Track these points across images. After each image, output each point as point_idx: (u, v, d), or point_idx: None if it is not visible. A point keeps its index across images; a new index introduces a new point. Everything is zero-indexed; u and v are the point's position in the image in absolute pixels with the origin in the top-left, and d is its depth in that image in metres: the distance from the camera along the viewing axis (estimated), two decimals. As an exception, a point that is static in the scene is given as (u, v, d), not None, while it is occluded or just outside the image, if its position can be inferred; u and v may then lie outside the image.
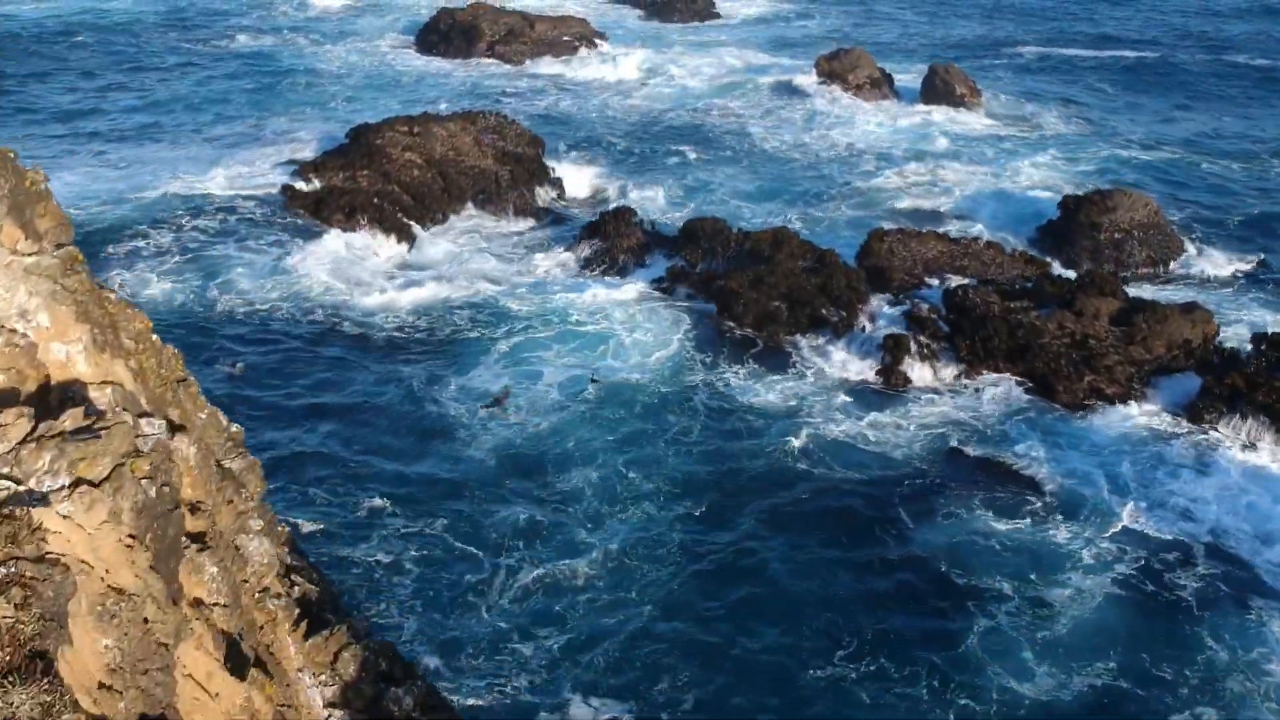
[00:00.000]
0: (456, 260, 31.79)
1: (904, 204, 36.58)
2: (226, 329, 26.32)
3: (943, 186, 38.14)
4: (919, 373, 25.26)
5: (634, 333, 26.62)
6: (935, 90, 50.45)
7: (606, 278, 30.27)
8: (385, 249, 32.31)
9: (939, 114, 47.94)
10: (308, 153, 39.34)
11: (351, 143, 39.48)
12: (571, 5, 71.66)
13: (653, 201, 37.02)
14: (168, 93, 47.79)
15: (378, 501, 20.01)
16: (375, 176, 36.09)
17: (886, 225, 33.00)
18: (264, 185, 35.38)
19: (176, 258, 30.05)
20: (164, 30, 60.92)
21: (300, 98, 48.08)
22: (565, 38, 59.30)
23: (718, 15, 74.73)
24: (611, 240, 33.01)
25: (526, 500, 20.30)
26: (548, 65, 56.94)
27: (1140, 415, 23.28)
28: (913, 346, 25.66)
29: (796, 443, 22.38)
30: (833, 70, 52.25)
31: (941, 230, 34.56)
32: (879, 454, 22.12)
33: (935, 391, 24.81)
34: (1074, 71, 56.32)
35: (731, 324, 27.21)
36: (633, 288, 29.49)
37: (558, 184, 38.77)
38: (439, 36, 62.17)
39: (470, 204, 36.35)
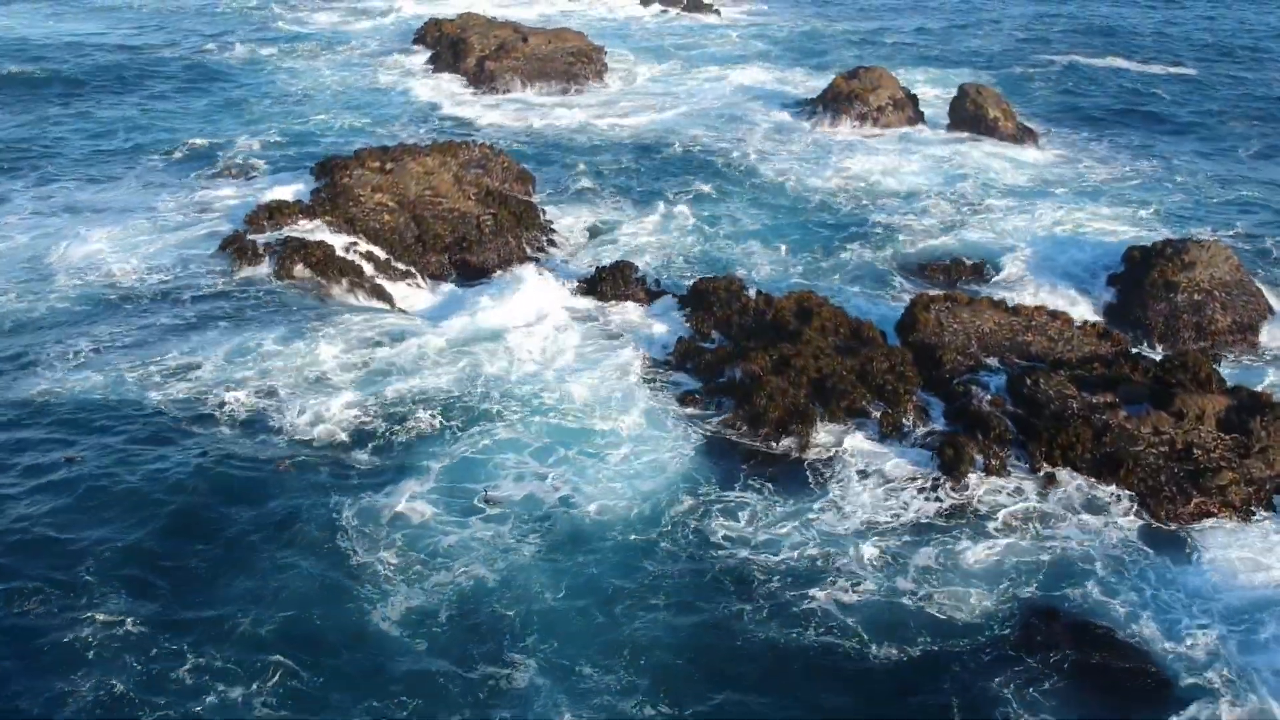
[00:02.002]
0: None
1: (938, 255, 31.87)
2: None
3: (981, 233, 33.45)
4: (982, 490, 20.60)
5: (624, 436, 21.88)
6: (965, 115, 45.82)
7: (601, 354, 25.55)
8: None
9: (971, 144, 43.32)
10: (264, 188, 34.75)
11: (316, 179, 34.93)
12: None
13: (655, 247, 32.37)
14: (114, 114, 43.11)
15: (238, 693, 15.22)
16: (340, 224, 31.45)
17: (930, 288, 28.40)
18: (192, 251, 30.18)
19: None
20: (133, 50, 56.22)
21: (265, 117, 43.36)
22: (560, 54, 54.64)
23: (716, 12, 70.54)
24: (608, 301, 28.45)
25: (446, 701, 15.47)
26: (541, 84, 52.33)
27: (1271, 556, 18.61)
28: (975, 454, 21.01)
29: (818, 602, 17.50)
30: (851, 91, 47.59)
31: (985, 289, 30.14)
32: (929, 618, 17.25)
33: (1003, 515, 20.14)
34: (1124, 87, 51.52)
35: (748, 424, 22.49)
36: (631, 368, 24.80)
37: (548, 228, 34.18)
38: (426, 50, 57.69)
39: (445, 257, 31.66)
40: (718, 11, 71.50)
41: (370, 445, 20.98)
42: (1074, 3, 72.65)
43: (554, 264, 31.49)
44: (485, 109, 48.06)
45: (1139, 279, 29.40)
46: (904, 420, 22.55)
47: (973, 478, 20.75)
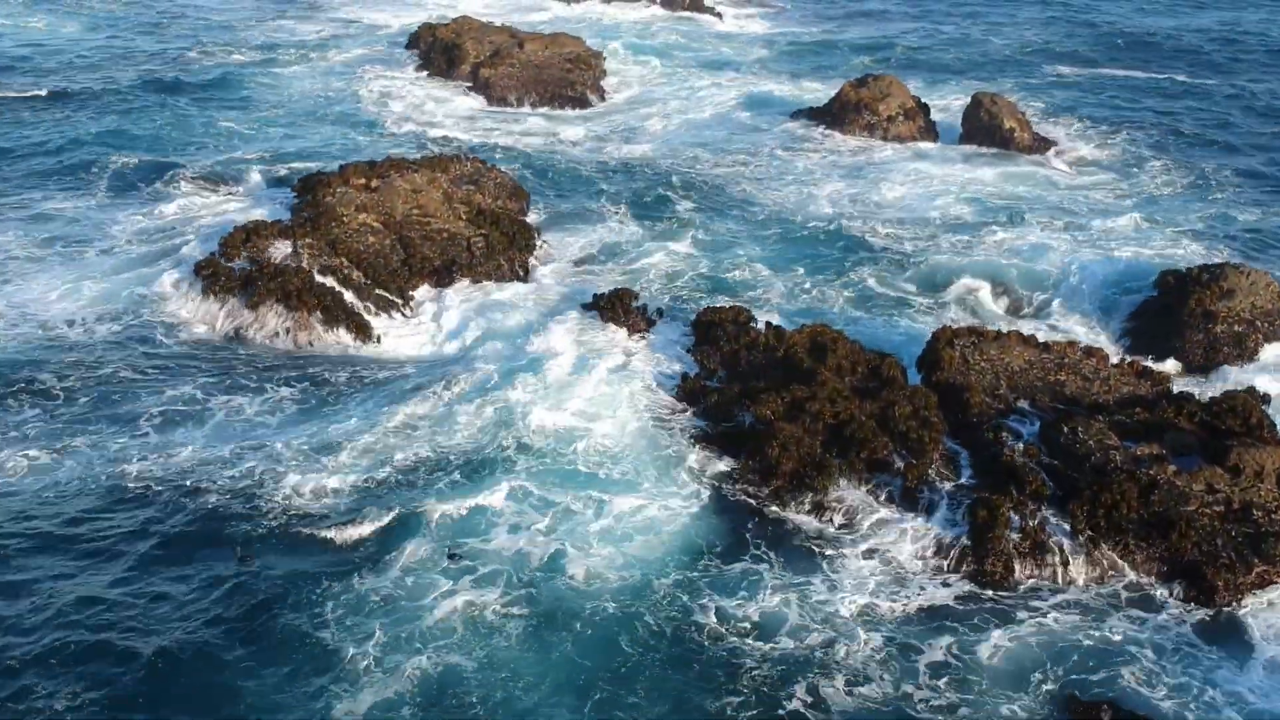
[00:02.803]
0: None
1: (959, 280, 29.83)
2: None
3: (1000, 255, 31.43)
4: (1016, 559, 18.64)
5: (621, 485, 19.98)
6: (979, 125, 43.84)
7: (600, 393, 23.60)
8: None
9: (986, 157, 41.40)
10: (242, 208, 32.82)
11: (298, 198, 32.99)
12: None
13: (656, 271, 30.38)
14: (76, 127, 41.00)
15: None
16: (320, 246, 29.48)
17: (948, 315, 26.48)
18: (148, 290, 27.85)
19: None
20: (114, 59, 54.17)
21: (245, 130, 41.35)
22: (557, 59, 52.65)
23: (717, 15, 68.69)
24: (605, 330, 26.53)
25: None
26: (537, 91, 50.32)
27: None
28: (1010, 515, 19.06)
29: (814, 703, 15.50)
30: (860, 99, 45.64)
31: (1007, 316, 28.23)
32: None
33: (1039, 589, 18.21)
34: (1144, 97, 49.45)
35: (759, 476, 20.55)
36: (633, 407, 22.90)
37: (543, 249, 32.26)
38: (420, 56, 55.71)
39: (426, 285, 29.67)
40: (719, 15, 69.52)
41: (351, 515, 18.96)
42: (1091, 10, 70.58)
43: (547, 289, 29.50)
44: (478, 118, 46.10)
45: (1174, 307, 27.47)
46: (928, 471, 20.62)
47: (1010, 545, 18.77)
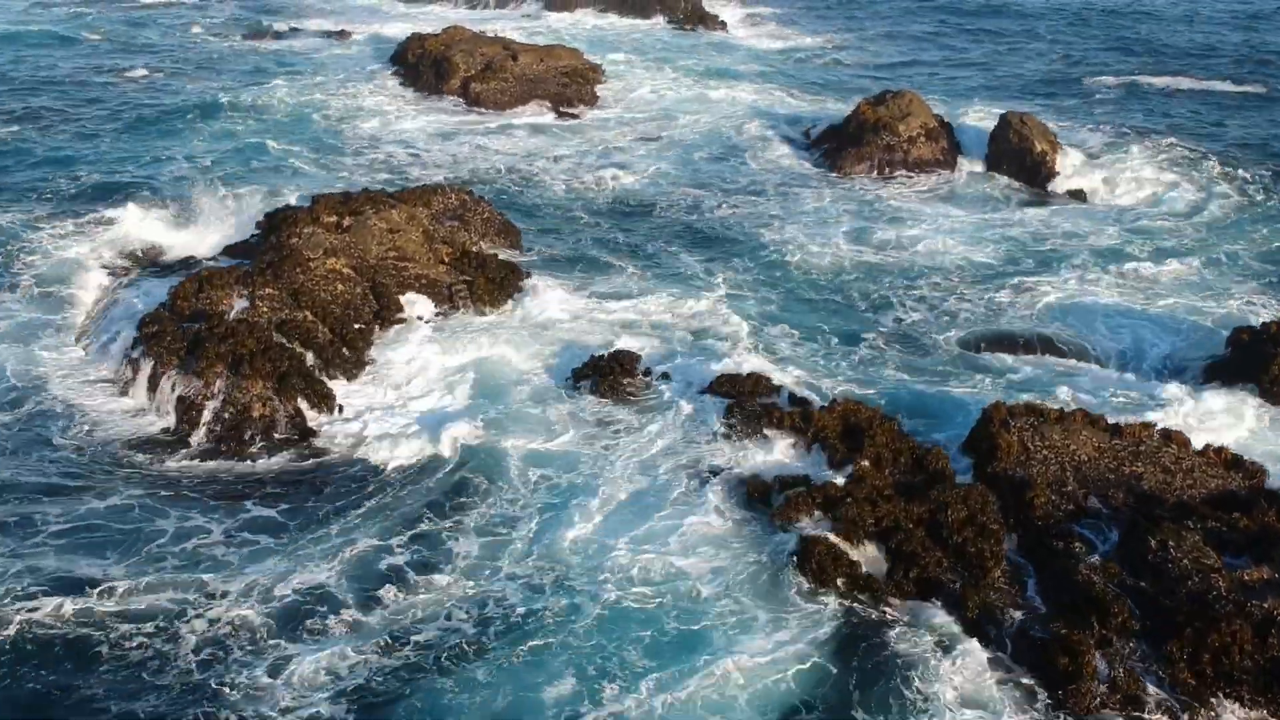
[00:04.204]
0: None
1: (993, 340, 26.32)
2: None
3: (1043, 309, 27.95)
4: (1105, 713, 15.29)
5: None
6: (1008, 148, 40.45)
7: (619, 488, 20.16)
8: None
9: (1018, 188, 38.04)
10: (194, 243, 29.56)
11: (261, 238, 29.63)
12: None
13: (657, 327, 26.74)
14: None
15: None
16: (283, 298, 26.07)
17: (994, 385, 23.06)
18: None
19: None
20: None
21: (206, 152, 37.89)
22: (552, 74, 49.26)
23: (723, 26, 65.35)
24: (605, 401, 23.18)
25: None
26: (532, 106, 47.00)
27: None
28: (1097, 662, 15.67)
29: None
30: (879, 119, 42.21)
31: (1056, 380, 24.62)
32: None
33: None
34: (1195, 112, 45.91)
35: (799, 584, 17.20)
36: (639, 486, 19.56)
37: (532, 295, 28.79)
38: (407, 69, 52.33)
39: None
40: (724, 24, 66.17)
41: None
42: (1120, 17, 67.15)
43: (536, 345, 26.02)
44: (464, 135, 42.64)
45: (1251, 371, 24.10)
46: (989, 592, 17.25)
47: (1092, 697, 15.39)
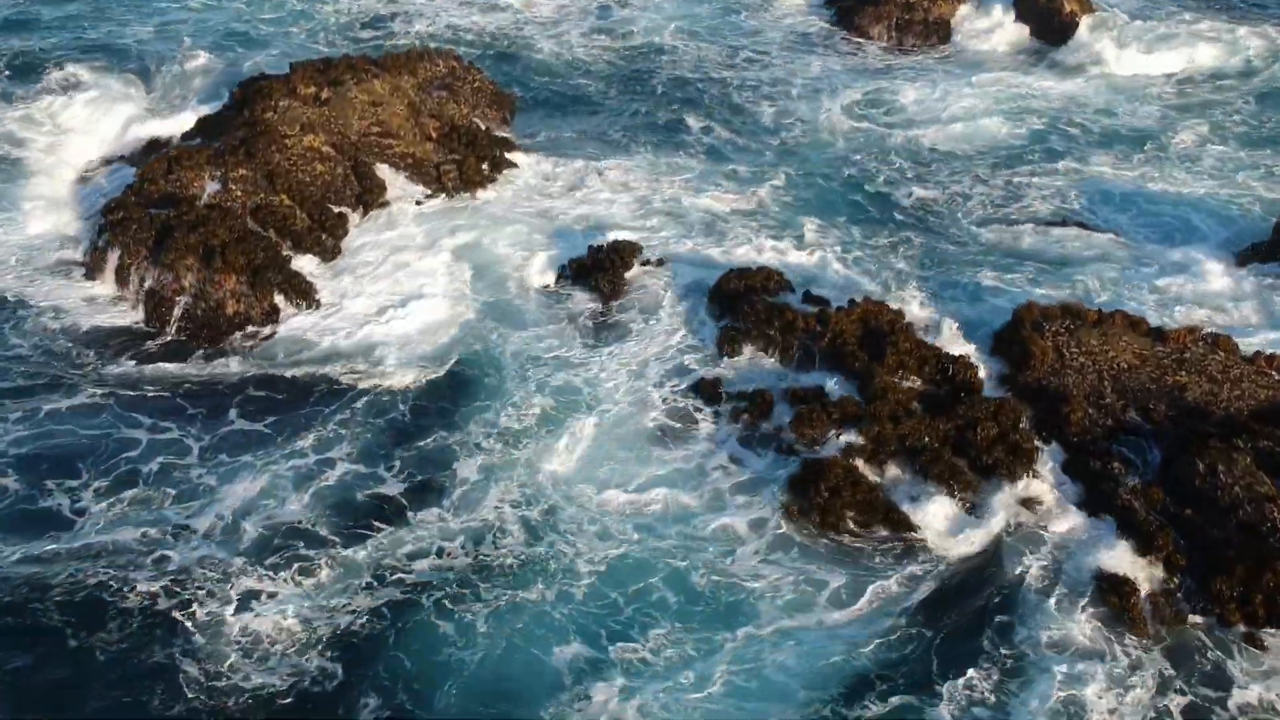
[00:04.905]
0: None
1: (1028, 236, 24.26)
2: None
3: (1073, 189, 25.96)
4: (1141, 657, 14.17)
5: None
6: (1033, 6, 37.39)
7: (592, 389, 18.77)
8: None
9: (1045, 53, 35.11)
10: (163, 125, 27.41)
11: (234, 112, 27.36)
12: None
13: (660, 214, 24.74)
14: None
15: None
16: (257, 180, 24.12)
17: (1034, 291, 21.27)
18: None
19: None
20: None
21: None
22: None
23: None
24: (606, 295, 21.55)
25: None
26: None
27: None
28: (1143, 594, 14.50)
29: None
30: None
31: (1089, 275, 22.69)
32: None
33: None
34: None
35: (808, 521, 15.94)
36: (632, 405, 18.15)
37: (526, 174, 26.79)
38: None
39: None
40: None
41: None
42: None
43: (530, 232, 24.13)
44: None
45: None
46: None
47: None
